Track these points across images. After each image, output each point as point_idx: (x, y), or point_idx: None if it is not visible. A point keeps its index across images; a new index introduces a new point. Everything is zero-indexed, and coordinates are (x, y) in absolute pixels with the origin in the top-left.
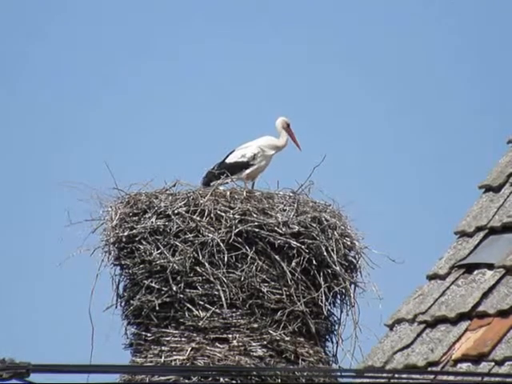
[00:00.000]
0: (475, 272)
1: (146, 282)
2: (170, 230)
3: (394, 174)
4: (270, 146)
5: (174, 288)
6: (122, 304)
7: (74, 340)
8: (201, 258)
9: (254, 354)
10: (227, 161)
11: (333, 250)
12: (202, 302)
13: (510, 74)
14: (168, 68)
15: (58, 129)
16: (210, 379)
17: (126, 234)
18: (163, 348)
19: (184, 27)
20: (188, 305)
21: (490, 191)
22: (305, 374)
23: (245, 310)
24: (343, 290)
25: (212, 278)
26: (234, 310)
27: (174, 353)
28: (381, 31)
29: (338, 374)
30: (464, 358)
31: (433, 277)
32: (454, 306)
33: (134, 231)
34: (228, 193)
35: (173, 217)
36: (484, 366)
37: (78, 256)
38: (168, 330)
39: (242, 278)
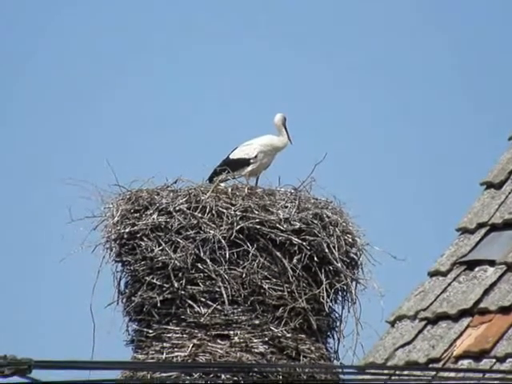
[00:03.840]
0: (477, 269)
1: (147, 278)
2: (172, 226)
3: (395, 170)
4: (271, 144)
5: (176, 285)
6: (124, 300)
7: (76, 336)
8: (202, 254)
9: (256, 350)
10: (229, 157)
11: (334, 247)
12: (203, 299)
13: None
14: (169, 66)
15: (59, 126)
16: (211, 376)
17: (127, 230)
18: (165, 344)
19: (185, 27)
20: (189, 301)
21: (491, 188)
22: (306, 370)
23: (246, 306)
24: (344, 287)
25: (213, 275)
26: (236, 306)
27: (176, 349)
28: (380, 30)
29: (340, 370)
30: (465, 355)
31: (434, 273)
32: (455, 303)
33: (136, 228)
34: (229, 189)
35: (174, 213)
36: (485, 363)
37: (79, 253)
38: (169, 327)
39: (244, 275)
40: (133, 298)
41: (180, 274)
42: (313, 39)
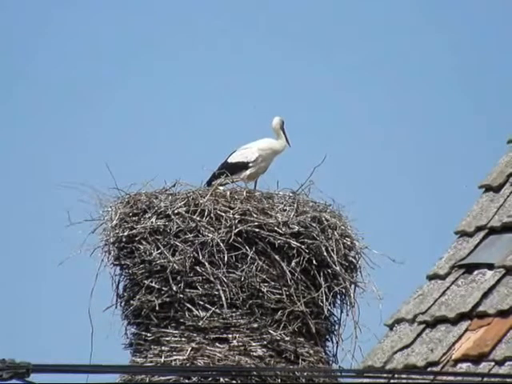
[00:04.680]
0: (475, 272)
1: (145, 281)
2: (170, 229)
3: (393, 173)
4: (270, 148)
5: (174, 288)
6: (122, 304)
7: (74, 340)
8: (201, 257)
9: (254, 353)
10: (227, 161)
11: (333, 250)
12: (201, 302)
13: None
14: (168, 68)
15: (58, 129)
16: (210, 379)
17: (125, 233)
18: (163, 348)
19: (185, 28)
20: (188, 305)
21: (490, 191)
22: (305, 374)
23: (245, 309)
24: (343, 290)
25: (212, 278)
26: (234, 309)
27: (174, 353)
28: (380, 30)
29: (338, 373)
30: (464, 358)
31: (433, 277)
32: (454, 306)
33: (134, 231)
34: (228, 193)
35: (173, 217)
36: (484, 366)
37: (77, 256)
38: (168, 330)
39: (242, 278)
40: (131, 302)
41: (178, 278)
42: (312, 39)
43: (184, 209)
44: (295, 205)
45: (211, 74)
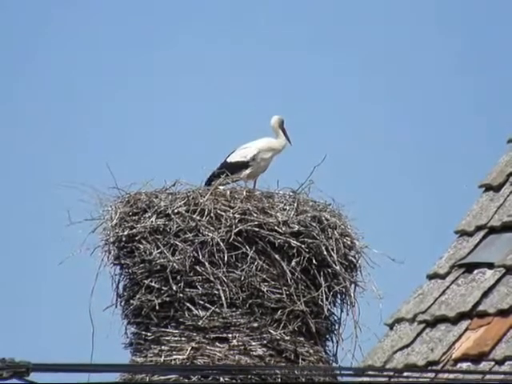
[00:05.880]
0: (475, 271)
1: (145, 281)
2: (170, 229)
3: (393, 173)
4: (269, 147)
5: (174, 287)
6: (122, 303)
7: (74, 339)
8: (201, 257)
9: (254, 353)
10: (227, 160)
11: (333, 250)
12: (201, 302)
13: None
14: (168, 68)
15: (58, 129)
16: (209, 378)
17: (125, 233)
18: (163, 347)
19: (185, 28)
20: (188, 304)
21: (490, 190)
22: (305, 373)
23: (245, 309)
24: (343, 290)
25: (212, 278)
26: (234, 309)
27: (174, 352)
28: (380, 30)
29: (338, 373)
30: (464, 358)
31: (433, 276)
32: (454, 306)
33: (134, 230)
34: (228, 192)
35: (173, 216)
36: (484, 366)
37: (78, 255)
38: (168, 330)
39: (242, 278)
40: (131, 301)
41: (178, 277)
42: (312, 39)
43: (184, 208)
44: (295, 204)
45: (211, 73)
